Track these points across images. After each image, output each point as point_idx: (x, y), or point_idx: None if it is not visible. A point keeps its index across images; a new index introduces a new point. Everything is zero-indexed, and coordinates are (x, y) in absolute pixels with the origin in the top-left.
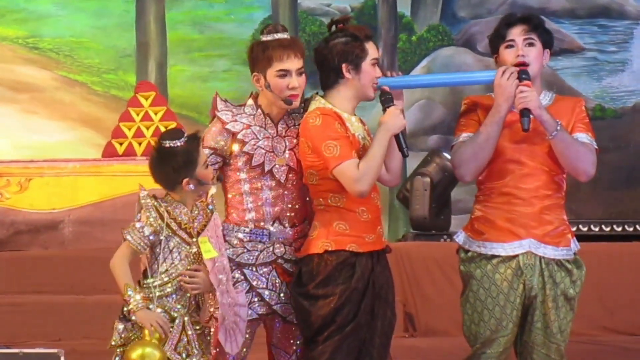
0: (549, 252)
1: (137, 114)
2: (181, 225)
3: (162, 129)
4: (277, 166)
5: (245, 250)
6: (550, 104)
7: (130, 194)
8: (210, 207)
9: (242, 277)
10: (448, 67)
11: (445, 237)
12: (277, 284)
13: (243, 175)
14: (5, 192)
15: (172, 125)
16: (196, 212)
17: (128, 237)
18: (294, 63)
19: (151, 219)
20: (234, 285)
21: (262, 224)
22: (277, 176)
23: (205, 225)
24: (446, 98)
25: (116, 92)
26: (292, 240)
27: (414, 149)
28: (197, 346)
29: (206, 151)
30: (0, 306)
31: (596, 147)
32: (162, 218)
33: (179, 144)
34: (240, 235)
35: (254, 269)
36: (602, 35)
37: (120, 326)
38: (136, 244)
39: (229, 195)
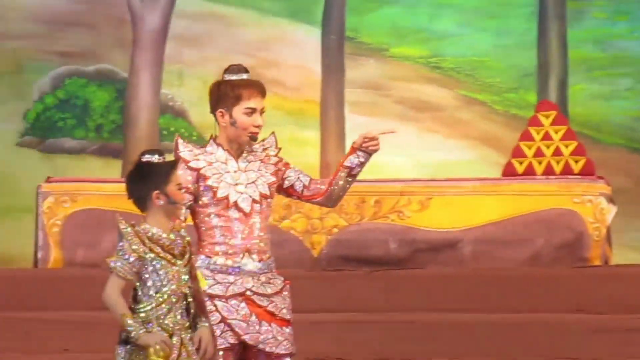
0: None
1: (538, 133)
2: (163, 247)
3: (563, 149)
4: (240, 198)
5: (216, 282)
6: None
7: (530, 213)
8: (183, 232)
9: (214, 309)
10: None
11: None
12: (247, 315)
13: (211, 210)
14: (406, 211)
15: (573, 144)
16: (173, 236)
17: (113, 265)
18: (259, 102)
19: (134, 246)
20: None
21: (232, 256)
22: (242, 207)
23: (184, 249)
24: None
25: (516, 111)
26: (260, 273)
27: None
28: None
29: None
30: (402, 323)
31: None
32: (143, 243)
33: (155, 159)
34: (212, 267)
35: (225, 300)
36: None
37: (121, 350)
38: (123, 272)
39: (202, 229)
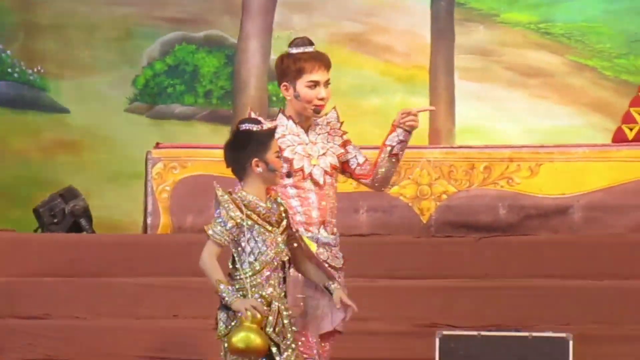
0: None
1: None
2: (260, 215)
3: None
4: (314, 170)
5: None
6: None
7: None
8: (280, 200)
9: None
10: None
11: None
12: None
13: (288, 181)
14: (516, 177)
15: None
16: (269, 204)
17: (210, 232)
18: (323, 75)
19: (231, 213)
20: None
21: (310, 227)
22: (316, 178)
23: (281, 216)
24: None
25: (627, 76)
26: (332, 245)
27: None
28: (290, 331)
29: None
30: (512, 289)
31: None
32: (241, 210)
33: (254, 128)
34: None
35: None
36: None
37: (223, 316)
38: (220, 238)
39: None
